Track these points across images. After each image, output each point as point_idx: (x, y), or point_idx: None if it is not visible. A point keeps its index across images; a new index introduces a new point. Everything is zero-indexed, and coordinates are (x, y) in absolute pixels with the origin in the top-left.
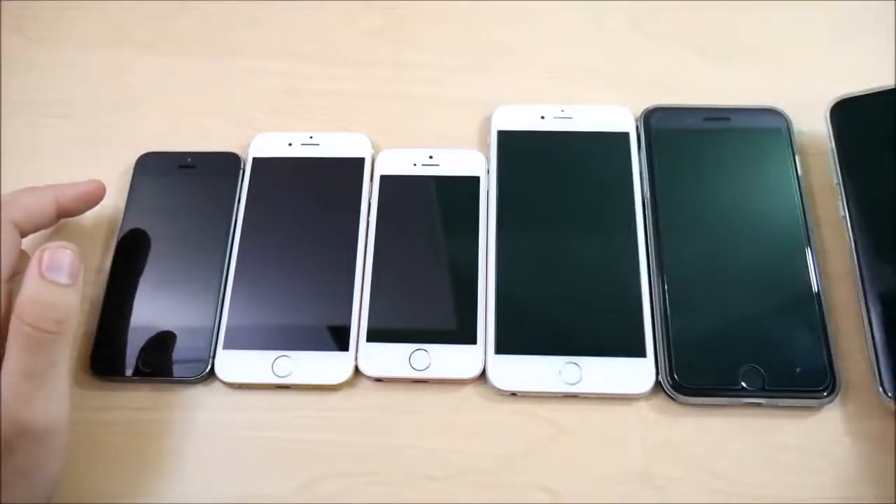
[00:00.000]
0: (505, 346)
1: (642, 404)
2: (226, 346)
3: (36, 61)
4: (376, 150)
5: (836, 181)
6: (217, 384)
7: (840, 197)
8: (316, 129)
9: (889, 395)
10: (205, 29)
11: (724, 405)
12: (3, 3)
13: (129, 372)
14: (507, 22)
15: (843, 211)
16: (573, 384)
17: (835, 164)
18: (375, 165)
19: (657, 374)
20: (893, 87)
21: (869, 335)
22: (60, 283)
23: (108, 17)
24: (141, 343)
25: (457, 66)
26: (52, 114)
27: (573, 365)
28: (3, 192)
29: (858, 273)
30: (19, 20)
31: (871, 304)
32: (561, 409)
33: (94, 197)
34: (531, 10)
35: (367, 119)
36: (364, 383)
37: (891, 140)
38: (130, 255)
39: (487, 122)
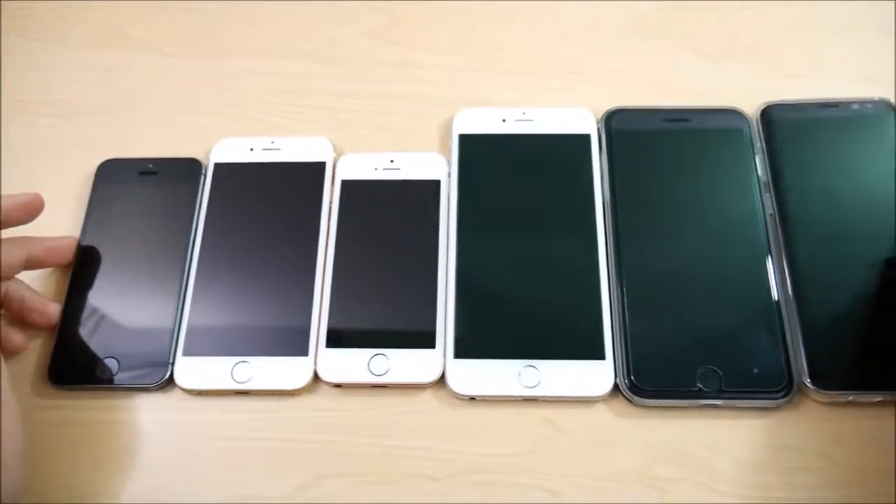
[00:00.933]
0: (464, 350)
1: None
2: (185, 353)
3: (36, 61)
4: (338, 154)
5: (765, 179)
6: (177, 391)
7: (769, 194)
8: (314, 129)
9: (809, 384)
10: (204, 29)
11: (684, 406)
12: (3, 3)
13: (88, 381)
14: (506, 22)
15: (772, 208)
16: (532, 387)
17: (764, 163)
18: (336, 170)
19: (615, 376)
20: (817, 100)
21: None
22: None
23: (108, 17)
24: (100, 351)
25: (456, 66)
26: (52, 114)
27: (532, 368)
28: (2, 192)
29: (782, 268)
30: (19, 20)
31: (792, 299)
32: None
33: (31, 208)
34: (530, 10)
35: (368, 119)
36: (324, 388)
37: (809, 146)
38: (91, 262)
39: (449, 124)
